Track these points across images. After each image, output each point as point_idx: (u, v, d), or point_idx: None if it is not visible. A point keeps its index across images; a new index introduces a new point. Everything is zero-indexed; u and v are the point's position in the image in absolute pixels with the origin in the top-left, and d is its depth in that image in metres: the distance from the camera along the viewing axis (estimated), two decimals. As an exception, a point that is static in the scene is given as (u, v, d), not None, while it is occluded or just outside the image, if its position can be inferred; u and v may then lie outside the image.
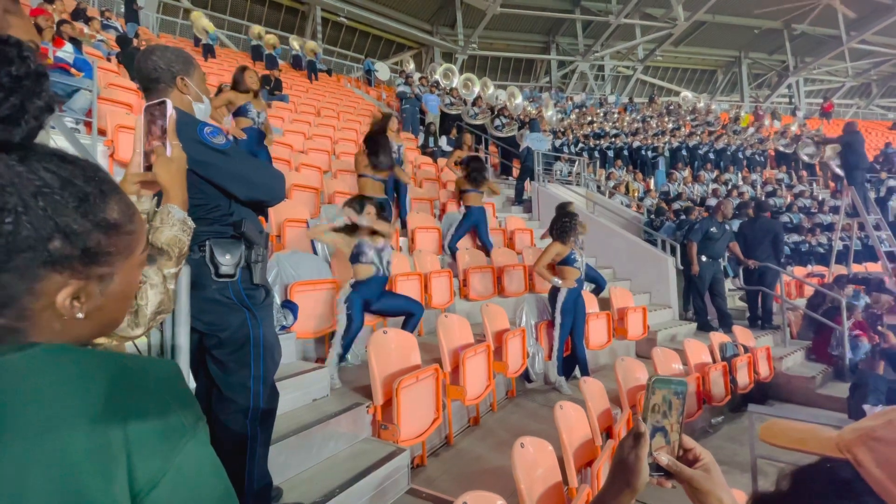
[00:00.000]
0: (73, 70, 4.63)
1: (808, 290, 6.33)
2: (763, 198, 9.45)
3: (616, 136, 12.69)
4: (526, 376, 3.89)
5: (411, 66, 14.94)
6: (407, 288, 3.91)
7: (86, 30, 7.14)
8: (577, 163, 9.33)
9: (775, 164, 13.00)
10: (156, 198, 1.02)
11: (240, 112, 4.10)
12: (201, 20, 11.67)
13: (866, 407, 3.38)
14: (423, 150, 8.96)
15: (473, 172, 5.39)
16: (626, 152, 11.95)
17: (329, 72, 14.56)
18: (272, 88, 9.06)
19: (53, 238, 0.43)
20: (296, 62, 13.42)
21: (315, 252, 4.04)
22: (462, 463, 2.68)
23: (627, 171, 11.23)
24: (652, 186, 10.75)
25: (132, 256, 0.51)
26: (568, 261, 3.91)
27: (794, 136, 13.78)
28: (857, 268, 7.75)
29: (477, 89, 12.70)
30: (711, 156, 12.19)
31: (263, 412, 1.58)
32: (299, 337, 2.97)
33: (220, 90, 5.28)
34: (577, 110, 16.70)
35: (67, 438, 0.37)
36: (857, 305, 5.22)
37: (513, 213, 7.72)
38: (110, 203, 0.48)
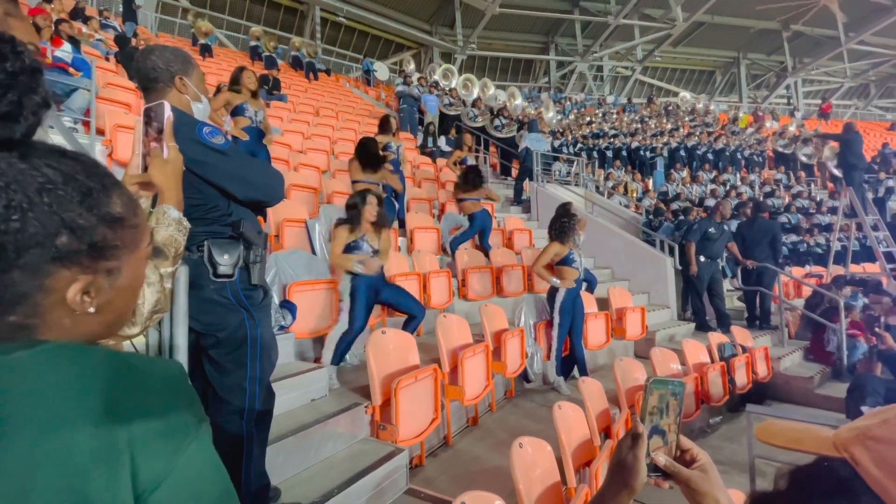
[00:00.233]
0: (71, 69, 4.62)
1: (806, 291, 6.34)
2: (761, 198, 9.47)
3: (615, 136, 12.71)
4: (524, 376, 3.90)
5: (412, 65, 14.94)
6: (406, 288, 3.90)
7: (84, 29, 7.14)
8: (575, 163, 9.34)
9: (774, 165, 13.03)
10: (152, 198, 1.03)
11: (237, 111, 4.10)
12: (205, 26, 11.73)
13: (864, 409, 3.38)
14: (422, 150, 8.95)
15: (470, 178, 5.38)
16: (624, 153, 11.97)
17: (328, 71, 14.55)
18: (270, 88, 9.06)
19: (60, 234, 0.43)
20: (295, 62, 13.41)
21: (314, 252, 4.04)
22: (461, 463, 2.68)
23: (626, 171, 11.24)
24: (650, 187, 10.76)
25: (138, 250, 0.51)
26: (567, 261, 3.92)
27: (792, 136, 13.81)
28: (854, 268, 7.76)
29: (476, 90, 12.70)
30: (710, 156, 12.21)
31: (259, 413, 1.58)
32: (298, 337, 2.97)
33: (218, 90, 5.28)
34: (575, 111, 16.71)
35: (73, 437, 0.37)
36: (856, 306, 5.23)
37: (512, 213, 7.72)
38: (113, 197, 0.48)
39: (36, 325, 0.44)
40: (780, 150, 13.20)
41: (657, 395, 0.67)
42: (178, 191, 1.03)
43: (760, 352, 4.73)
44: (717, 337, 4.60)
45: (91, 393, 0.40)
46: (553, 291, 3.94)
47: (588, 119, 14.85)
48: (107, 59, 6.69)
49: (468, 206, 5.41)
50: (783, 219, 9.06)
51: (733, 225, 6.28)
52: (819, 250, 8.46)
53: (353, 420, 2.41)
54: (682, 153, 12.07)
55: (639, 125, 14.24)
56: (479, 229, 5.44)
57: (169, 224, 0.99)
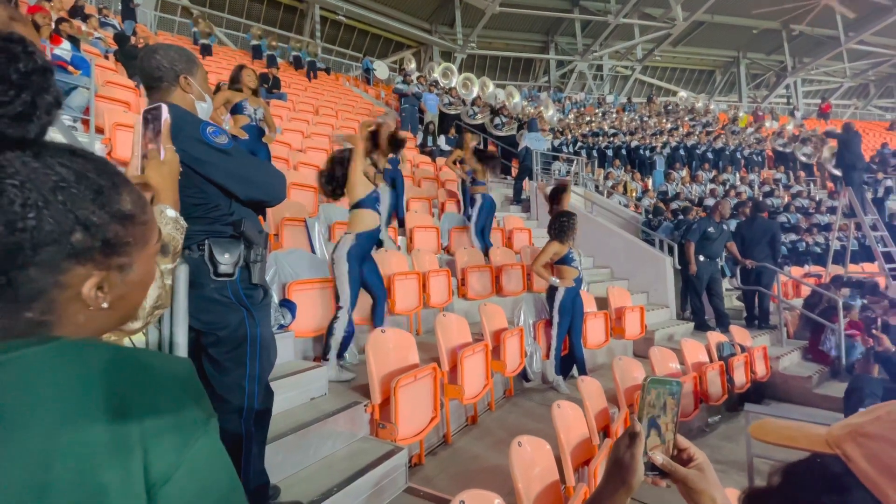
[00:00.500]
0: (70, 68, 4.62)
1: (805, 291, 6.35)
2: (761, 198, 9.48)
3: (614, 135, 12.70)
4: (524, 375, 3.90)
5: (412, 64, 14.93)
6: (405, 287, 3.91)
7: (83, 27, 7.13)
8: (575, 162, 9.34)
9: (773, 165, 13.03)
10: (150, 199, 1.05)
11: (236, 109, 4.10)
12: (206, 26, 11.76)
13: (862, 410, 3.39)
14: (422, 149, 8.95)
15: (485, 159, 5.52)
16: (624, 152, 11.97)
17: (328, 70, 14.54)
18: (270, 87, 9.05)
19: (75, 231, 0.44)
20: (296, 62, 13.40)
21: (313, 251, 4.04)
22: (460, 462, 2.69)
23: (625, 170, 11.24)
24: (650, 186, 10.77)
25: (148, 246, 0.52)
26: (566, 260, 3.92)
27: (791, 135, 13.81)
28: (853, 268, 7.78)
29: (476, 89, 12.69)
30: (710, 156, 12.21)
31: (258, 412, 1.58)
32: (298, 336, 2.97)
33: (217, 89, 5.27)
34: (575, 110, 16.71)
35: (87, 432, 0.38)
36: (854, 305, 5.24)
37: (511, 212, 7.73)
38: (123, 194, 0.49)
39: (51, 321, 0.45)
40: (780, 149, 13.21)
41: (655, 394, 0.68)
42: (174, 192, 1.05)
43: (759, 351, 4.74)
44: (715, 336, 4.61)
45: (105, 388, 0.41)
46: (552, 290, 3.95)
47: (588, 118, 14.84)
48: (106, 58, 6.68)
49: (482, 187, 5.52)
50: (782, 218, 9.07)
51: (732, 224, 6.29)
52: (818, 250, 8.47)
53: (353, 419, 2.41)
54: (682, 152, 12.08)
55: (638, 124, 14.23)
56: (490, 210, 5.53)
57: (167, 223, 1.00)
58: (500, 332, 3.53)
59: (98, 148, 4.03)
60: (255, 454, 1.58)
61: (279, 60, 12.60)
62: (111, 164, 0.50)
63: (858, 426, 0.47)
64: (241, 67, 4.23)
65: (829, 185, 11.28)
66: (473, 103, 10.78)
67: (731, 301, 6.65)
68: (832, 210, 8.86)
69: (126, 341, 1.01)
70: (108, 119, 4.24)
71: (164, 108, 1.04)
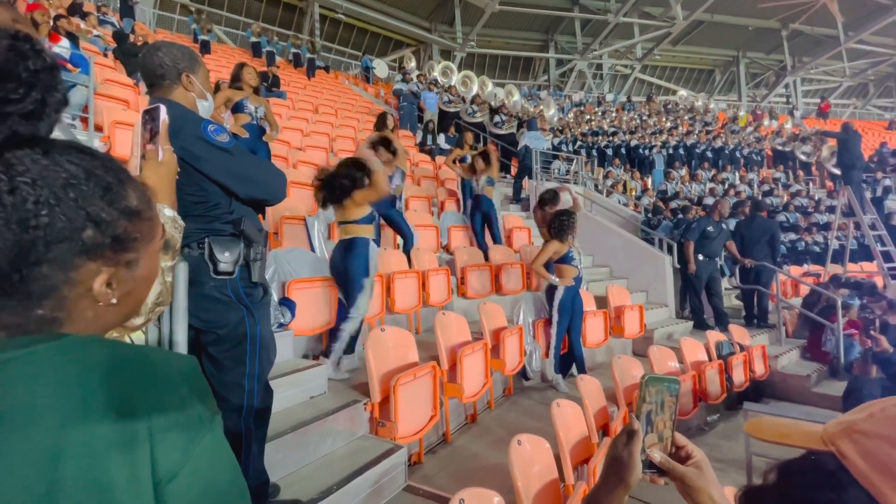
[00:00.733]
0: (69, 66, 4.61)
1: (804, 290, 6.36)
2: (760, 197, 9.48)
3: (614, 134, 12.70)
4: (523, 374, 3.90)
5: (412, 63, 14.91)
6: (404, 286, 3.91)
7: (82, 25, 7.11)
8: (574, 161, 9.34)
9: (772, 164, 13.04)
10: None
11: (237, 108, 4.09)
12: (206, 23, 11.77)
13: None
14: (422, 147, 8.94)
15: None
16: (623, 151, 11.97)
17: (327, 69, 14.51)
18: (270, 85, 9.03)
19: (86, 227, 0.45)
20: (295, 60, 13.37)
21: (313, 249, 4.04)
22: (459, 460, 2.69)
23: (625, 169, 11.25)
24: (649, 185, 10.77)
25: (154, 241, 0.53)
26: (566, 259, 3.93)
27: (791, 134, 13.82)
28: (852, 267, 7.79)
29: (475, 87, 12.68)
30: (709, 155, 12.22)
31: (258, 410, 1.58)
32: (297, 334, 2.97)
33: (217, 87, 5.26)
34: (575, 109, 16.70)
35: (95, 429, 0.38)
36: (853, 304, 5.25)
37: (511, 211, 7.72)
38: (129, 191, 0.50)
39: (61, 317, 0.46)
40: (779, 148, 13.22)
41: (653, 392, 0.68)
42: (171, 192, 1.07)
43: (758, 350, 4.75)
44: (714, 335, 4.62)
45: (112, 385, 0.41)
46: (552, 289, 3.95)
47: (587, 117, 14.84)
48: (105, 56, 6.67)
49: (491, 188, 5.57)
50: (781, 217, 9.08)
51: (732, 224, 6.30)
52: (817, 249, 8.48)
53: (352, 417, 2.41)
54: (682, 152, 12.08)
55: (638, 123, 14.23)
56: (486, 210, 5.54)
57: (165, 222, 1.01)
58: (500, 330, 3.54)
59: (97, 146, 4.02)
60: (254, 452, 1.58)
61: (278, 59, 12.58)
62: (117, 161, 0.51)
63: (853, 423, 0.47)
64: (241, 66, 4.22)
65: (829, 184, 11.30)
66: (473, 101, 10.76)
67: (730, 300, 6.66)
68: (831, 209, 8.87)
69: (125, 339, 1.01)
70: (106, 117, 4.23)
71: (163, 110, 1.05)
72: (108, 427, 0.39)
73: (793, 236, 8.67)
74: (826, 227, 8.74)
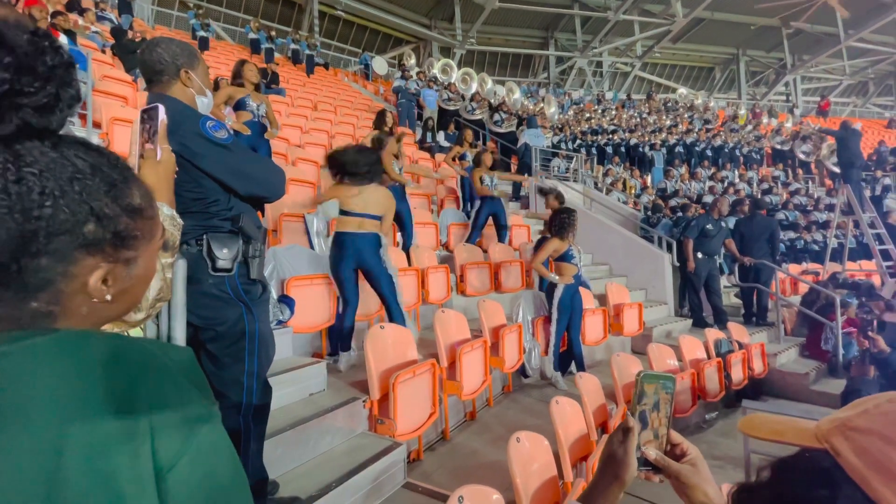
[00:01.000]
0: (67, 62, 4.58)
1: (803, 288, 6.37)
2: (759, 195, 9.48)
3: (613, 132, 12.69)
4: (522, 372, 3.91)
5: (412, 60, 14.86)
6: (404, 283, 3.90)
7: (80, 21, 7.07)
8: (574, 159, 9.33)
9: (772, 162, 13.04)
10: None
11: (239, 105, 4.08)
12: (204, 19, 11.74)
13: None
14: (421, 145, 8.93)
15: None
16: (623, 149, 11.96)
17: (326, 66, 14.47)
18: (269, 82, 9.00)
19: (88, 221, 0.45)
20: (294, 57, 13.32)
21: (312, 247, 4.03)
22: (458, 457, 2.69)
23: (624, 167, 11.24)
24: (649, 183, 10.76)
25: (153, 241, 0.53)
26: (565, 257, 3.92)
27: (790, 133, 13.81)
28: (851, 265, 7.80)
29: (475, 85, 12.65)
30: (709, 153, 12.21)
31: (256, 408, 1.58)
32: (296, 332, 2.97)
33: (216, 85, 5.24)
34: (574, 106, 16.67)
35: (96, 421, 0.39)
36: (851, 303, 5.26)
37: (510, 209, 7.71)
38: (133, 189, 0.50)
39: (56, 312, 0.46)
40: (778, 146, 13.21)
41: (648, 389, 0.68)
42: (169, 191, 1.08)
43: (757, 348, 4.76)
44: (713, 333, 4.62)
45: (110, 377, 0.41)
46: (551, 287, 3.95)
47: (587, 115, 14.81)
48: (103, 52, 6.63)
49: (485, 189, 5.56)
50: (780, 216, 9.08)
51: (731, 222, 6.30)
52: (816, 247, 8.49)
53: (351, 414, 2.41)
54: (681, 150, 12.07)
55: (638, 121, 14.21)
56: (488, 214, 5.54)
57: (164, 220, 1.03)
58: (499, 328, 3.54)
59: (95, 143, 4.01)
60: (253, 449, 1.58)
61: (277, 56, 12.52)
62: (122, 160, 0.51)
63: (846, 420, 0.47)
64: (242, 62, 4.21)
65: (828, 182, 11.30)
66: (472, 99, 10.74)
67: (729, 298, 6.67)
68: (830, 207, 8.88)
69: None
70: (105, 113, 4.21)
71: (161, 109, 1.05)
72: (110, 420, 0.39)
73: (792, 234, 8.68)
74: (825, 225, 8.75)
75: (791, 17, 21.55)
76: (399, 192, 4.45)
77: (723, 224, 5.72)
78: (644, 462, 0.67)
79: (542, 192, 4.99)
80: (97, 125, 4.26)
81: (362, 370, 2.54)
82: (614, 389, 3.19)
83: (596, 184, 9.67)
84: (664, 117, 14.98)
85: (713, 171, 11.20)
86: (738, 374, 4.36)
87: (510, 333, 3.51)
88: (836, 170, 8.56)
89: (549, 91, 18.66)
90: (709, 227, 5.57)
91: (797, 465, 0.48)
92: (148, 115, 1.06)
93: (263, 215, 3.90)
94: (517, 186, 8.27)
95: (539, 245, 4.34)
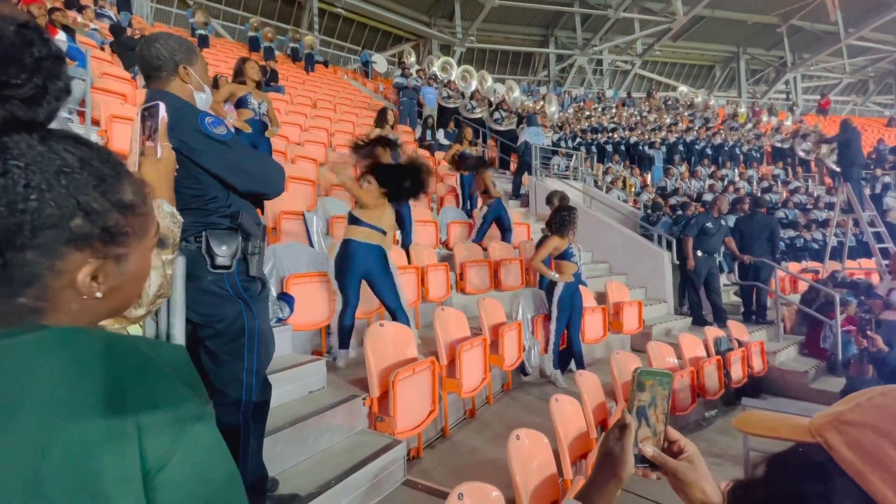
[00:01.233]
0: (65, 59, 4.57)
1: (803, 286, 6.37)
2: (759, 193, 9.47)
3: (613, 130, 12.67)
4: (522, 369, 3.91)
5: (413, 57, 14.81)
6: (404, 281, 3.90)
7: (79, 18, 7.05)
8: (574, 157, 9.32)
9: (772, 160, 13.03)
10: None
11: (240, 103, 4.08)
12: (203, 16, 11.63)
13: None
14: (421, 143, 8.91)
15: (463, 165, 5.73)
16: (623, 147, 11.95)
17: (326, 63, 14.43)
18: (268, 79, 8.98)
19: (76, 216, 0.44)
20: (294, 54, 13.29)
21: (311, 244, 4.03)
22: (458, 455, 2.70)
23: (624, 166, 11.23)
24: (649, 181, 10.75)
25: (146, 238, 0.53)
26: (565, 255, 3.92)
27: (791, 132, 13.80)
28: (850, 264, 7.80)
29: (475, 82, 12.62)
30: (709, 151, 12.20)
31: (256, 405, 1.58)
32: (296, 329, 2.97)
33: (215, 82, 5.23)
34: (574, 105, 16.65)
35: (82, 419, 0.38)
36: (851, 301, 5.26)
37: (510, 207, 7.71)
38: (125, 184, 0.49)
39: (44, 308, 0.45)
40: (778, 145, 13.21)
41: (645, 385, 0.68)
42: (169, 188, 1.09)
43: (756, 346, 4.76)
44: (713, 331, 4.63)
45: (99, 375, 0.41)
46: (551, 285, 3.95)
47: (587, 113, 14.79)
48: (102, 49, 6.61)
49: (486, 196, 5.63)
50: (780, 214, 9.08)
51: (731, 220, 6.30)
52: (816, 246, 8.48)
53: (351, 412, 2.41)
54: (681, 148, 12.06)
55: (638, 119, 14.19)
56: (494, 217, 5.59)
57: (164, 217, 1.02)
58: (499, 326, 3.54)
59: (94, 140, 4.00)
60: (253, 447, 1.58)
61: (276, 53, 12.48)
62: (115, 155, 0.50)
63: (839, 414, 0.47)
64: (244, 60, 4.21)
65: (828, 180, 11.29)
66: (472, 97, 10.72)
67: (729, 296, 6.67)
68: (830, 206, 8.88)
69: (125, 332, 1.01)
70: (104, 111, 4.20)
71: (162, 107, 1.05)
72: (95, 419, 0.38)
73: (791, 233, 8.67)
74: (825, 223, 8.75)
75: (791, 16, 21.54)
76: None
77: (722, 222, 5.72)
78: (641, 459, 0.67)
79: (550, 199, 5.15)
80: (96, 122, 4.25)
81: (362, 368, 2.54)
82: (614, 387, 3.19)
83: (596, 182, 9.67)
84: (664, 115, 14.96)
85: (713, 169, 11.19)
86: (737, 372, 4.36)
87: (510, 331, 3.51)
88: (836, 168, 8.55)
89: (549, 89, 18.63)
90: (708, 225, 5.57)
91: (791, 460, 0.48)
92: (149, 113, 1.06)
93: (263, 213, 3.91)
94: (517, 185, 8.27)
95: (540, 243, 4.34)
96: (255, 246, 1.55)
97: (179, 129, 1.34)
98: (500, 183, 8.42)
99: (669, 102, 17.79)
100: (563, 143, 11.13)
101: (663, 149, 11.90)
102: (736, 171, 11.64)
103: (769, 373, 4.82)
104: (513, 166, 9.02)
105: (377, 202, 3.09)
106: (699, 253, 5.58)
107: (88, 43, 6.04)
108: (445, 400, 2.90)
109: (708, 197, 8.78)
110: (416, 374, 2.52)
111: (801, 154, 12.65)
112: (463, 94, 11.09)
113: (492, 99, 11.54)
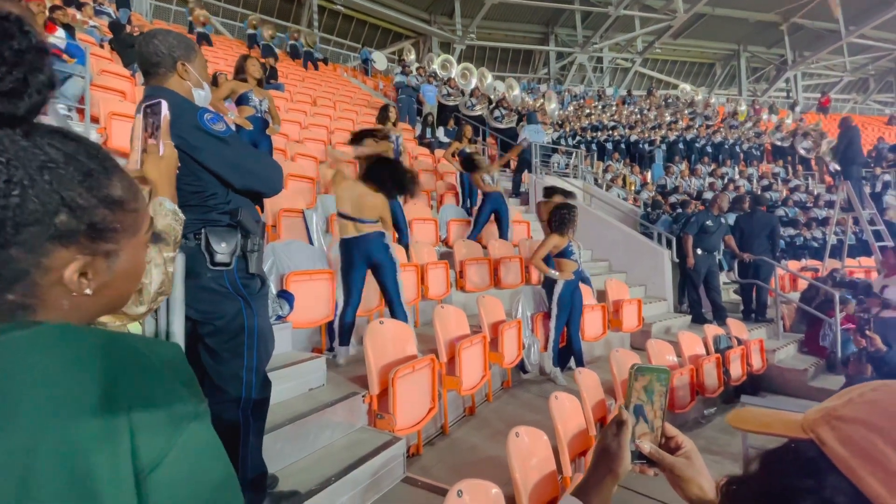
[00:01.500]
0: (65, 56, 4.56)
1: (802, 284, 6.37)
2: (759, 192, 9.47)
3: (614, 128, 12.66)
4: (521, 367, 3.91)
5: (412, 55, 14.79)
6: (404, 279, 3.90)
7: (78, 16, 7.03)
8: (574, 155, 9.31)
9: (772, 159, 13.02)
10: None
11: (241, 101, 4.07)
12: (203, 15, 11.55)
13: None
14: (421, 140, 8.90)
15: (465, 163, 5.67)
16: (623, 145, 11.94)
17: (325, 61, 14.40)
18: (267, 77, 8.96)
19: (60, 212, 0.44)
20: (293, 52, 13.26)
21: (311, 242, 4.03)
22: (457, 452, 2.70)
23: (624, 164, 11.22)
24: (649, 179, 10.75)
25: (137, 234, 0.52)
26: (565, 253, 3.92)
27: (790, 130, 13.79)
28: (850, 262, 7.80)
29: (474, 80, 12.59)
30: (709, 149, 12.19)
31: (256, 402, 1.58)
32: (295, 327, 2.97)
33: (215, 80, 5.22)
34: (575, 102, 16.63)
35: (74, 418, 0.37)
36: (850, 300, 5.26)
37: (510, 205, 7.70)
38: (113, 180, 0.48)
39: (34, 304, 0.44)
40: (778, 143, 13.19)
41: (642, 382, 0.68)
42: (171, 186, 1.08)
43: (755, 344, 4.77)
44: (712, 329, 4.63)
45: (91, 374, 0.40)
46: (551, 283, 3.95)
47: (587, 111, 14.77)
48: (101, 46, 6.60)
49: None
50: (780, 212, 9.07)
51: (731, 218, 6.30)
52: (815, 244, 8.48)
53: (351, 409, 2.41)
54: (681, 146, 12.05)
55: (638, 117, 14.18)
56: (492, 210, 5.59)
57: (166, 214, 1.02)
58: (499, 324, 3.54)
59: (93, 137, 3.99)
60: (253, 444, 1.58)
61: (277, 50, 12.45)
62: (104, 150, 0.49)
63: (832, 409, 0.47)
64: (245, 57, 4.21)
65: (828, 179, 11.28)
66: (472, 94, 10.70)
67: (729, 294, 6.67)
68: (830, 204, 8.87)
69: (126, 329, 1.01)
70: (103, 108, 4.20)
71: (164, 105, 1.05)
72: (87, 418, 0.38)
73: (791, 231, 8.67)
74: (825, 222, 8.74)
75: (792, 13, 21.49)
76: None
77: (722, 220, 5.72)
78: (638, 455, 0.67)
79: (548, 193, 5.11)
80: (95, 120, 4.24)
81: (362, 365, 2.55)
82: (613, 385, 3.19)
83: (596, 180, 9.66)
84: (664, 113, 14.95)
85: (713, 167, 11.19)
86: (736, 370, 4.37)
87: (509, 329, 3.51)
88: (837, 166, 8.54)
89: (549, 87, 18.60)
90: (708, 223, 5.57)
91: (784, 456, 0.48)
92: (151, 110, 1.06)
93: (262, 210, 3.91)
94: (517, 183, 8.26)
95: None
96: (254, 243, 1.55)
97: (178, 126, 1.34)
98: (500, 181, 8.42)
99: (670, 100, 17.77)
100: (563, 141, 11.12)
101: (663, 147, 11.89)
102: (736, 169, 11.64)
103: (768, 371, 4.82)
104: (513, 164, 9.01)
105: (348, 194, 3.08)
106: (699, 251, 5.58)
107: (88, 40, 6.03)
108: (445, 397, 2.91)
109: (708, 195, 8.78)
110: (416, 371, 2.52)
111: (802, 152, 12.64)
112: (463, 92, 11.07)
113: (492, 97, 11.52)
